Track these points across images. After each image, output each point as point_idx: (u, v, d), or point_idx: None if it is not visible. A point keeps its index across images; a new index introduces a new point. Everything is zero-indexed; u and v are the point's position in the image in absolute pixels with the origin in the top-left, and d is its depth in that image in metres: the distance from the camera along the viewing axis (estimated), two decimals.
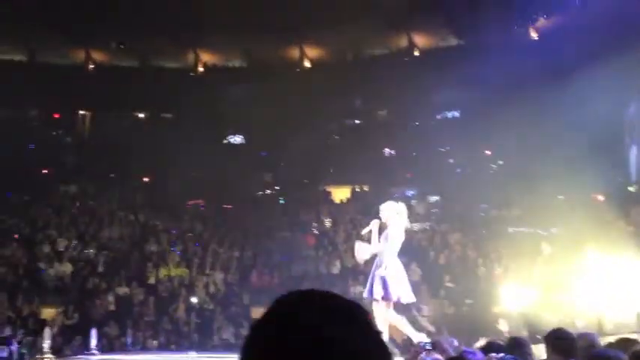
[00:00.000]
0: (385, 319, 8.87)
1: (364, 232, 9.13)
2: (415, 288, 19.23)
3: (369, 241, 9.07)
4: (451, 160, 26.12)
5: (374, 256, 9.14)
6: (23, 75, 26.89)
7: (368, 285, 8.97)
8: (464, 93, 24.84)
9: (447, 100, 26.73)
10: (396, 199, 23.90)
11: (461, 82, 24.00)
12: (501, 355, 5.83)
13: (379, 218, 9.08)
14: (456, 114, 27.59)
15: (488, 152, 23.96)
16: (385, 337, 1.12)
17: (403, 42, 29.25)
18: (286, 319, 0.98)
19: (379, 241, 8.95)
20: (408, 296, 8.98)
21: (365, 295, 8.84)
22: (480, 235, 20.57)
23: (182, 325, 19.51)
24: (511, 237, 19.35)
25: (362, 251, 9.14)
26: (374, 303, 8.84)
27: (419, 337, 9.04)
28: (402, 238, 9.01)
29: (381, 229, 9.04)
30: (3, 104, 28.56)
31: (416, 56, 28.82)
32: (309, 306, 1.00)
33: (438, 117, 28.18)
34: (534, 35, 26.08)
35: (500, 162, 24.31)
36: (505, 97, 21.19)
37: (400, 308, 17.78)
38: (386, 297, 8.82)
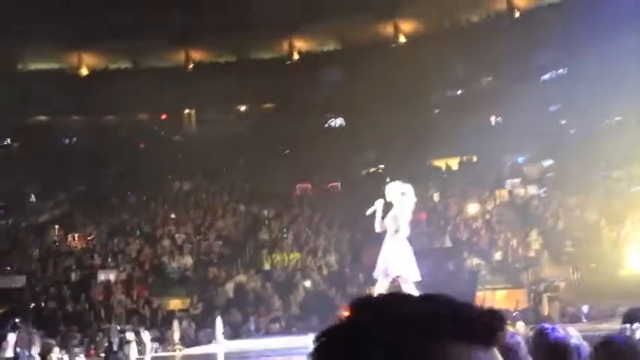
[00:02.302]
0: None
1: (369, 212, 8.97)
2: (537, 256, 18.75)
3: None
4: (563, 122, 24.92)
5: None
6: (130, 81, 28.12)
7: (378, 264, 8.81)
8: (570, 50, 23.63)
9: (553, 58, 25.53)
10: (507, 167, 23.20)
11: (566, 39, 22.86)
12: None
13: (384, 198, 8.89)
14: (564, 71, 26.26)
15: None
16: None
17: (502, 5, 28.22)
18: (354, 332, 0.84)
19: (383, 221, 8.80)
20: (414, 274, 8.72)
21: (375, 274, 8.71)
22: (600, 197, 19.53)
23: (301, 308, 19.79)
24: (634, 196, 18.29)
25: (376, 226, 9.03)
26: (384, 280, 8.70)
27: None
28: (408, 218, 8.81)
29: (388, 209, 8.86)
30: (114, 110, 30.01)
31: (516, 18, 27.75)
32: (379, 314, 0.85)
33: (545, 77, 26.95)
34: None
35: (618, 118, 22.91)
36: (613, 49, 20.02)
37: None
38: (394, 274, 8.63)
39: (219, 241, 22.75)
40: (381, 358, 0.80)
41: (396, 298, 0.87)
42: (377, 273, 8.87)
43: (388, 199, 8.92)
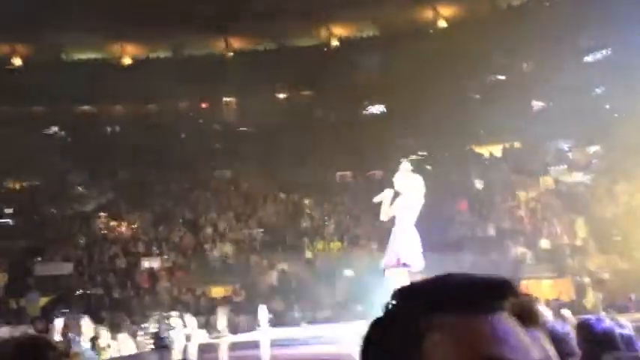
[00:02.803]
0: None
1: (376, 199, 8.91)
2: (584, 244, 18.41)
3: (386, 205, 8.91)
4: (607, 106, 24.34)
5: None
6: (170, 69, 28.35)
7: (387, 254, 8.80)
8: (614, 30, 22.95)
9: (596, 39, 24.89)
10: (552, 154, 22.73)
11: (609, 19, 22.26)
12: None
13: (393, 187, 8.83)
14: (607, 52, 25.54)
15: None
16: None
17: None
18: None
19: (390, 209, 8.76)
20: (418, 263, 8.68)
21: (384, 264, 8.73)
22: None
23: (343, 296, 19.80)
24: None
25: (382, 214, 9.03)
26: (391, 269, 8.71)
27: None
28: (415, 209, 8.75)
29: (396, 198, 8.82)
30: (155, 99, 30.33)
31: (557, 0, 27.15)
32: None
33: (588, 59, 26.28)
34: None
35: None
36: None
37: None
38: (400, 263, 8.63)
39: (260, 229, 22.92)
40: (388, 339, 0.84)
41: (420, 282, 0.89)
42: (386, 263, 8.93)
43: (396, 187, 8.92)
